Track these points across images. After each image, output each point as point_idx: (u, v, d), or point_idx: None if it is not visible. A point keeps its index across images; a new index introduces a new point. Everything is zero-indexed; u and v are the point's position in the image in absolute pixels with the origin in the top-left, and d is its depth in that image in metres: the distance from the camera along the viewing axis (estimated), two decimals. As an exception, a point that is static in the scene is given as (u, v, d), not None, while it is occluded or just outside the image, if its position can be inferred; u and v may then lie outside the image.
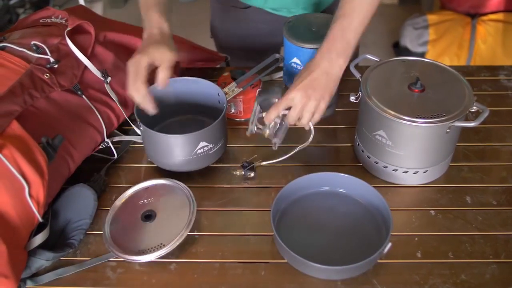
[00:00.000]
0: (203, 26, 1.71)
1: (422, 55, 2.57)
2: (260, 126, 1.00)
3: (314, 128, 1.00)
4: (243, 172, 1.04)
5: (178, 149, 0.99)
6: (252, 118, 1.00)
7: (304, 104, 0.93)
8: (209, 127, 0.98)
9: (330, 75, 0.94)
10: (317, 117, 0.96)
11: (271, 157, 1.08)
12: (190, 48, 1.34)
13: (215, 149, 1.02)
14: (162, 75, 0.97)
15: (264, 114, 0.98)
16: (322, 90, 0.93)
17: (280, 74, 1.28)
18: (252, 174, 1.04)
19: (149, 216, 0.94)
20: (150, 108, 0.96)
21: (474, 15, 2.54)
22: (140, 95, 0.95)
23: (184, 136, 0.98)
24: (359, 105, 1.02)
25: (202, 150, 1.00)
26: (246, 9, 1.33)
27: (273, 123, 0.98)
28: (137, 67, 0.94)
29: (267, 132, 0.99)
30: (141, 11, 1.03)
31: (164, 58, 0.97)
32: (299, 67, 1.08)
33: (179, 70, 1.30)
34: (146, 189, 0.99)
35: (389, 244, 0.85)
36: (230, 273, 0.88)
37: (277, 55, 1.14)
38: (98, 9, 3.31)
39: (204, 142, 0.99)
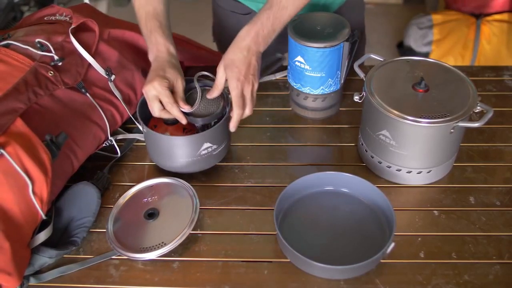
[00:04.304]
0: (205, 25, 1.71)
1: (426, 55, 2.56)
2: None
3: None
4: None
5: (182, 150, 0.99)
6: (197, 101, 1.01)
7: (244, 89, 0.97)
8: (213, 128, 0.98)
9: (258, 58, 0.98)
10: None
11: (271, 158, 1.08)
12: (193, 48, 1.33)
13: (219, 149, 1.02)
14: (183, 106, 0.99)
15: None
16: (257, 72, 0.98)
17: (284, 73, 1.28)
18: None
19: (152, 215, 0.94)
20: (184, 119, 0.98)
21: (479, 15, 2.53)
22: (180, 115, 0.97)
23: (188, 138, 0.98)
24: (363, 105, 1.02)
25: (206, 151, 0.99)
26: (246, 15, 1.32)
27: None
28: (166, 92, 0.95)
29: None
30: (143, 32, 1.04)
31: (180, 84, 0.99)
32: (303, 66, 1.08)
33: (183, 69, 1.30)
34: (149, 187, 0.99)
35: (392, 244, 0.85)
36: (233, 272, 0.88)
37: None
38: (102, 7, 3.32)
39: (208, 143, 0.99)
